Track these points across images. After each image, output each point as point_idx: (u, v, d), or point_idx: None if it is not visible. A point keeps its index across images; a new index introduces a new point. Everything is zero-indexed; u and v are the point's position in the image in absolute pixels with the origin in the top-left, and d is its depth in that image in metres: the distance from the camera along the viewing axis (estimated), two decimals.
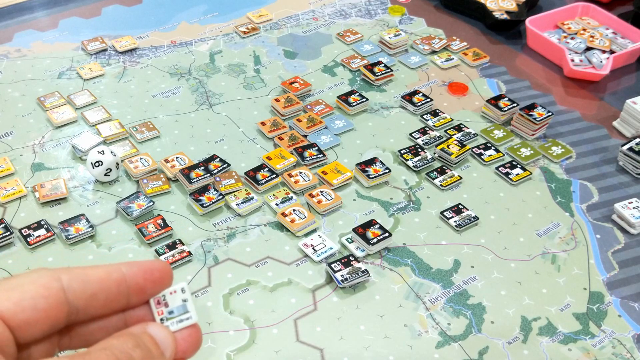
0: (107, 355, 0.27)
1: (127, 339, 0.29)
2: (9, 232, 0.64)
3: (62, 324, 0.29)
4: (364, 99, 0.82)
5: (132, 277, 0.30)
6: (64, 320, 0.29)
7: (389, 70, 0.86)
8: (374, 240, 0.64)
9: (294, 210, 0.68)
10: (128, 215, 0.67)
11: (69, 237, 0.64)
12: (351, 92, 0.83)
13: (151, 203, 0.68)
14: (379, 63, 0.87)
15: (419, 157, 0.75)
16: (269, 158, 0.74)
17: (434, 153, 0.76)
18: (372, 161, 0.73)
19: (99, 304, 0.30)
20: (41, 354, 0.29)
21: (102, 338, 0.29)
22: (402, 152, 0.75)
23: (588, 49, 0.92)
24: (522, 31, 0.97)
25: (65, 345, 0.30)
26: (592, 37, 0.92)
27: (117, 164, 0.70)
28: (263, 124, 0.78)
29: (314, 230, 0.67)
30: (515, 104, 0.81)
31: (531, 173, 0.74)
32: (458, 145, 0.76)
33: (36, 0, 0.99)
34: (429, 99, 0.82)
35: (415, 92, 0.83)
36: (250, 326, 0.59)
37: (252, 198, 0.69)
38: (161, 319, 0.31)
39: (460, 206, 0.70)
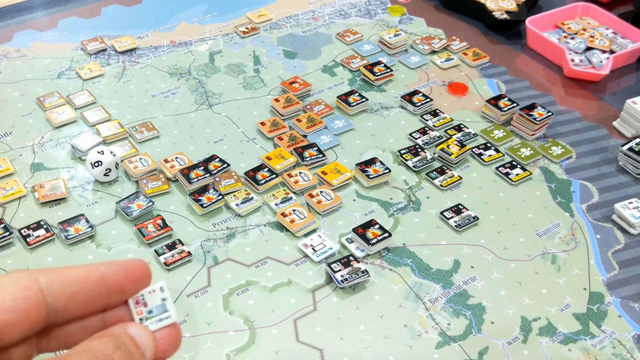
0: (89, 357, 0.27)
1: (107, 340, 0.28)
2: (8, 232, 0.64)
3: (41, 326, 0.29)
4: (364, 99, 0.82)
5: (112, 276, 0.30)
6: (43, 322, 0.28)
7: (388, 70, 0.86)
8: (374, 241, 0.64)
9: (293, 210, 0.68)
10: (127, 215, 0.67)
11: (69, 237, 0.64)
12: (351, 92, 0.82)
13: (151, 203, 0.68)
14: (378, 63, 0.87)
15: (419, 157, 0.75)
16: (268, 158, 0.74)
17: (434, 153, 0.76)
18: (371, 161, 0.73)
19: (79, 305, 0.29)
20: (20, 356, 0.29)
21: (81, 339, 0.29)
22: (402, 152, 0.75)
23: (588, 49, 0.92)
24: (522, 31, 0.97)
25: (43, 348, 0.30)
26: (592, 37, 0.92)
27: (117, 164, 0.70)
28: (263, 124, 0.78)
29: (314, 231, 0.67)
30: (515, 104, 0.81)
31: (531, 173, 0.74)
32: (458, 145, 0.75)
33: (35, 0, 0.99)
34: (428, 99, 0.82)
35: (415, 92, 0.83)
36: (250, 326, 0.58)
37: (251, 198, 0.69)
38: (140, 319, 0.31)
39: (460, 206, 0.70)
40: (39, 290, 0.28)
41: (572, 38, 0.93)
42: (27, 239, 0.64)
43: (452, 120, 0.81)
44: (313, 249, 0.65)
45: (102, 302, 0.30)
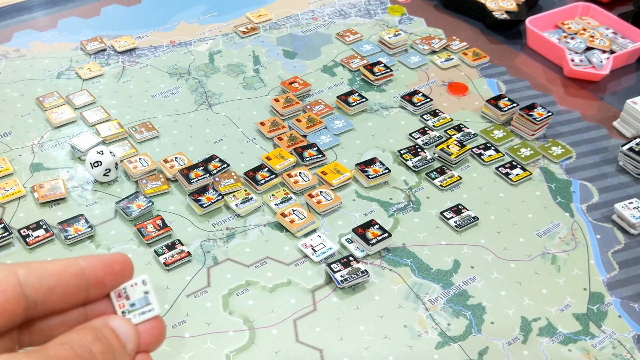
0: (66, 349, 0.27)
1: (86, 332, 0.28)
2: (7, 233, 0.64)
3: (21, 319, 0.29)
4: (364, 99, 0.82)
5: (91, 270, 0.30)
6: (22, 315, 0.28)
7: (388, 70, 0.86)
8: (374, 241, 0.64)
9: (293, 210, 0.68)
10: (127, 215, 0.67)
11: (68, 237, 0.64)
12: (351, 92, 0.82)
13: (150, 203, 0.68)
14: (378, 63, 0.87)
15: (419, 157, 0.75)
16: (268, 158, 0.73)
17: (434, 153, 0.76)
18: (371, 161, 0.73)
19: (57, 298, 0.29)
20: (1, 350, 0.29)
21: (62, 333, 0.29)
22: (401, 152, 0.75)
23: (588, 48, 0.91)
24: (522, 31, 0.97)
25: (25, 342, 0.30)
26: (592, 37, 0.92)
27: (116, 164, 0.70)
28: (262, 124, 0.78)
29: (314, 231, 0.67)
30: (515, 104, 0.81)
31: (531, 173, 0.74)
32: (458, 146, 0.75)
33: (35, 0, 0.99)
34: (428, 99, 0.82)
35: (415, 92, 0.83)
36: (250, 327, 0.58)
37: (251, 198, 0.69)
38: (123, 312, 0.31)
39: (460, 206, 0.70)
40: (17, 283, 0.28)
41: (572, 38, 0.93)
42: (27, 239, 0.64)
43: (452, 120, 0.81)
44: (313, 249, 0.65)
45: (82, 295, 0.30)
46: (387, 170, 0.72)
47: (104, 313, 0.31)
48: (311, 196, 0.69)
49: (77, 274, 0.30)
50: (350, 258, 0.63)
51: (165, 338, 0.32)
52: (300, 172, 0.72)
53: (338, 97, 0.82)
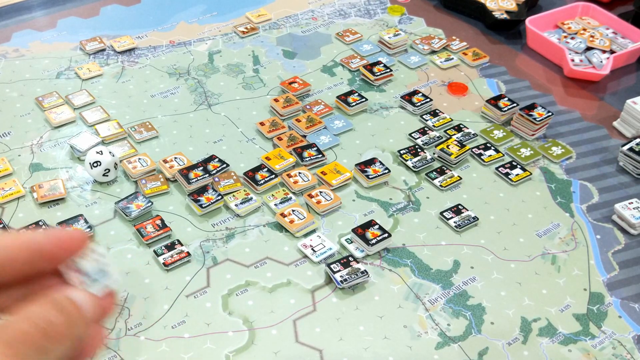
0: (29, 324, 0.27)
1: (47, 304, 0.28)
2: None
3: None
4: (364, 99, 0.81)
5: (45, 244, 0.30)
6: None
7: (388, 70, 0.86)
8: (374, 241, 0.64)
9: (293, 210, 0.67)
10: (126, 215, 0.66)
11: None
12: (350, 92, 0.82)
13: (150, 203, 0.68)
14: (378, 63, 0.87)
15: (419, 158, 0.75)
16: (268, 158, 0.73)
17: (434, 153, 0.76)
18: (371, 161, 0.73)
19: (9, 269, 0.29)
20: None
21: (17, 306, 0.29)
22: (401, 152, 0.75)
23: (588, 48, 0.91)
24: (522, 31, 0.97)
25: None
26: (592, 37, 0.92)
27: (116, 164, 0.70)
28: (262, 124, 0.78)
29: (313, 231, 0.67)
30: (515, 104, 0.81)
31: (531, 173, 0.74)
32: (458, 146, 0.75)
33: (34, 0, 0.99)
34: (428, 99, 0.82)
35: (415, 92, 0.83)
36: (250, 327, 0.58)
37: (251, 198, 0.69)
38: (78, 283, 0.31)
39: (460, 206, 0.70)
40: None
41: (572, 38, 0.93)
42: None
43: (452, 120, 0.81)
44: (312, 249, 0.65)
45: (35, 268, 0.30)
46: (386, 171, 0.72)
47: (59, 285, 0.31)
48: (311, 196, 0.69)
49: (30, 247, 0.30)
50: (350, 258, 0.63)
51: (115, 308, 0.32)
52: (299, 172, 0.72)
53: (338, 97, 0.82)
